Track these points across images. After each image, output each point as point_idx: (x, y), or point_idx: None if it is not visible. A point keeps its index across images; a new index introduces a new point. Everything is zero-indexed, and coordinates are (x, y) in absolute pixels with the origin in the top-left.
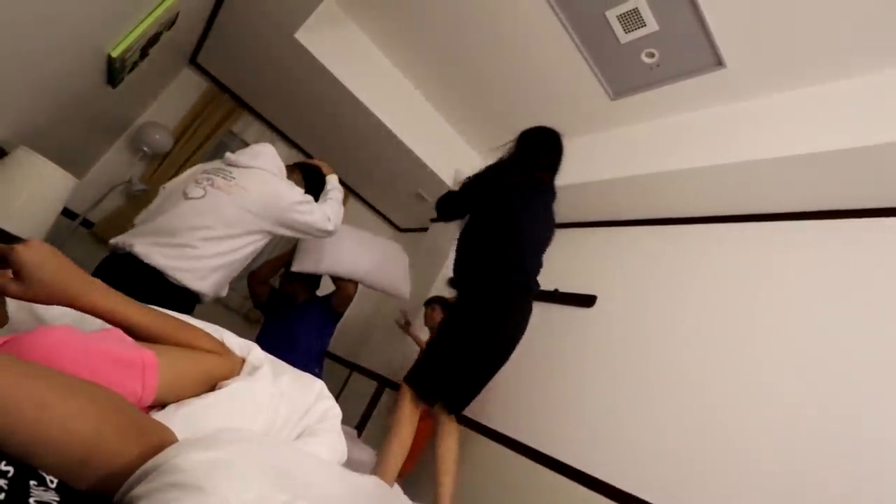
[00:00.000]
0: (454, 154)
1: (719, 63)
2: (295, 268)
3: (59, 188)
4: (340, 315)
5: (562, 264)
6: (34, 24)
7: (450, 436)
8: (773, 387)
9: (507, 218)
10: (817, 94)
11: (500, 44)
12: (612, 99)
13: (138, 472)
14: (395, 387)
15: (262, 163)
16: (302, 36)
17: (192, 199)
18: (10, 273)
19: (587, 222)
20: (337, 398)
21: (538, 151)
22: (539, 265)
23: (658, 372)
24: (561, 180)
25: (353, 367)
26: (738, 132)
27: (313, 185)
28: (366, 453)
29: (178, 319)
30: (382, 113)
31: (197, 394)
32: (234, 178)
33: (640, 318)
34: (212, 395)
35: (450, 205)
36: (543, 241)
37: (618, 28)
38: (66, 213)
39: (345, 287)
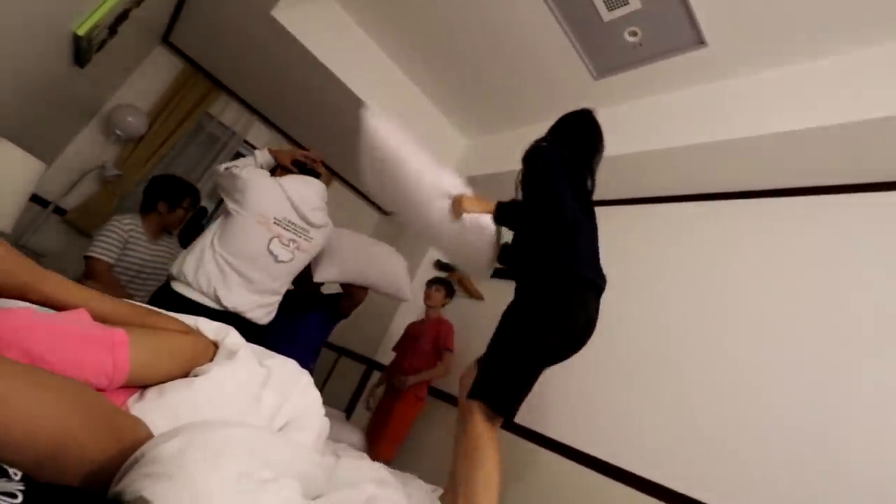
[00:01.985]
0: (440, 137)
1: (701, 42)
2: (317, 278)
3: (27, 174)
4: (345, 316)
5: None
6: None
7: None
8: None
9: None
10: (799, 72)
11: (484, 22)
12: (595, 78)
13: (123, 466)
14: (382, 368)
15: (326, 218)
16: (279, 13)
17: (282, 262)
18: None
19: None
20: (325, 381)
21: (586, 140)
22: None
23: (640, 355)
24: None
25: (341, 352)
26: (721, 110)
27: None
28: (354, 435)
29: (143, 307)
30: (364, 93)
31: (174, 375)
32: (312, 238)
33: (630, 299)
34: (194, 381)
35: (519, 212)
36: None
37: (601, 6)
38: (37, 199)
39: (357, 293)
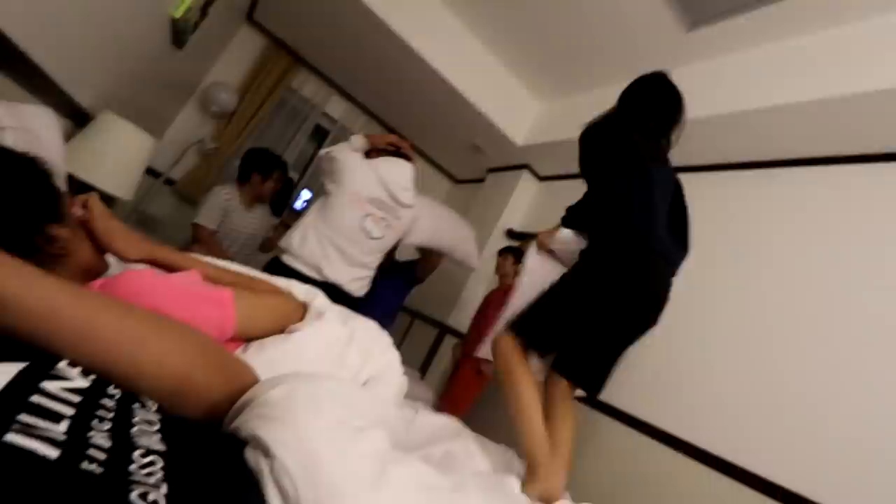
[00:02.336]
0: (513, 102)
1: None
2: (404, 242)
3: (142, 149)
4: (421, 281)
5: None
6: None
7: (567, 415)
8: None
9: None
10: None
11: None
12: (687, 31)
13: (236, 405)
14: (454, 332)
15: (415, 198)
16: None
17: (374, 238)
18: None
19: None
20: (401, 343)
21: (658, 108)
22: (672, 240)
23: (751, 329)
24: None
25: (415, 315)
26: (834, 62)
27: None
28: (428, 393)
29: (243, 271)
30: (438, 62)
31: (271, 331)
32: (400, 217)
33: (720, 270)
34: (289, 337)
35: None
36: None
37: None
38: (150, 171)
39: (433, 259)
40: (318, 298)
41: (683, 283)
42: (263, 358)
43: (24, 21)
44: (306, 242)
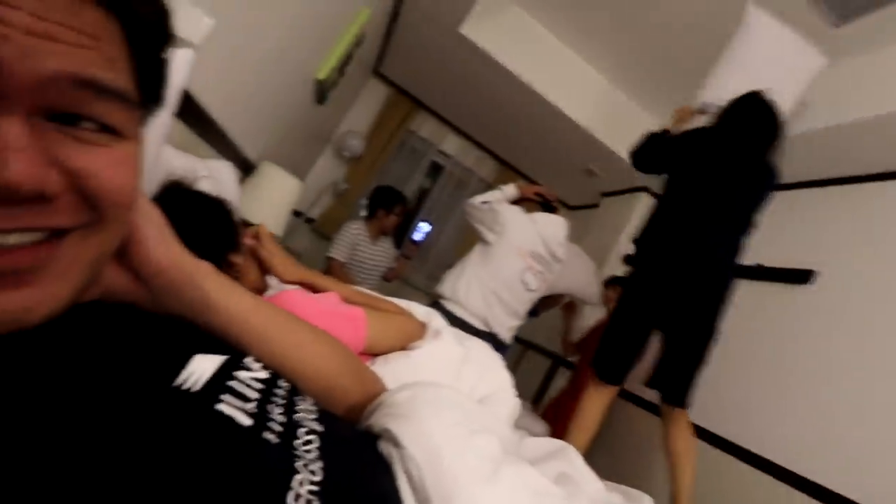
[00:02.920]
0: (626, 123)
1: None
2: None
3: (292, 192)
4: (536, 316)
5: (773, 233)
6: (274, 64)
7: (680, 432)
8: None
9: (695, 189)
10: None
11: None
12: (835, 26)
13: (368, 408)
14: (569, 366)
15: (566, 253)
16: (466, 29)
17: (531, 290)
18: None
19: (804, 182)
20: (514, 372)
21: (743, 122)
22: (733, 245)
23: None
24: None
25: (528, 345)
26: None
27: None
28: (538, 426)
29: (370, 293)
30: (549, 92)
31: (396, 347)
32: (555, 271)
33: (872, 295)
34: (411, 353)
35: (646, 153)
36: (738, 222)
37: None
38: (295, 213)
39: (554, 300)
40: (436, 319)
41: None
42: (387, 371)
43: (212, 90)
44: (471, 292)
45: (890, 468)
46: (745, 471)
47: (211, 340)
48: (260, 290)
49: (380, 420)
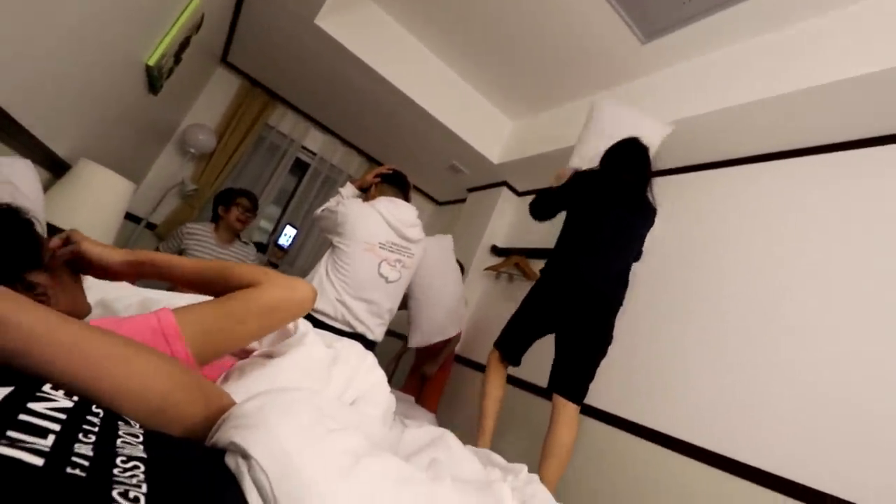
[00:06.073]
0: (486, 122)
1: None
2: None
3: (121, 194)
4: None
5: None
6: (77, 44)
7: (566, 425)
8: (830, 328)
9: (581, 220)
10: (863, 12)
11: (522, 1)
12: (643, 43)
13: (215, 426)
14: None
15: (422, 232)
16: (322, 21)
17: (392, 282)
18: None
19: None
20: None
21: (619, 160)
22: (612, 270)
23: (708, 320)
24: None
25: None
26: (780, 63)
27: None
28: (420, 413)
29: (229, 266)
30: (409, 88)
31: (253, 334)
32: (413, 254)
33: (688, 267)
34: (269, 362)
35: (541, 205)
36: (619, 250)
37: None
38: (130, 216)
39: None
40: (303, 324)
41: (660, 283)
42: (243, 385)
43: None
44: (323, 297)
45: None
46: (625, 438)
47: None
48: (79, 312)
49: (226, 433)
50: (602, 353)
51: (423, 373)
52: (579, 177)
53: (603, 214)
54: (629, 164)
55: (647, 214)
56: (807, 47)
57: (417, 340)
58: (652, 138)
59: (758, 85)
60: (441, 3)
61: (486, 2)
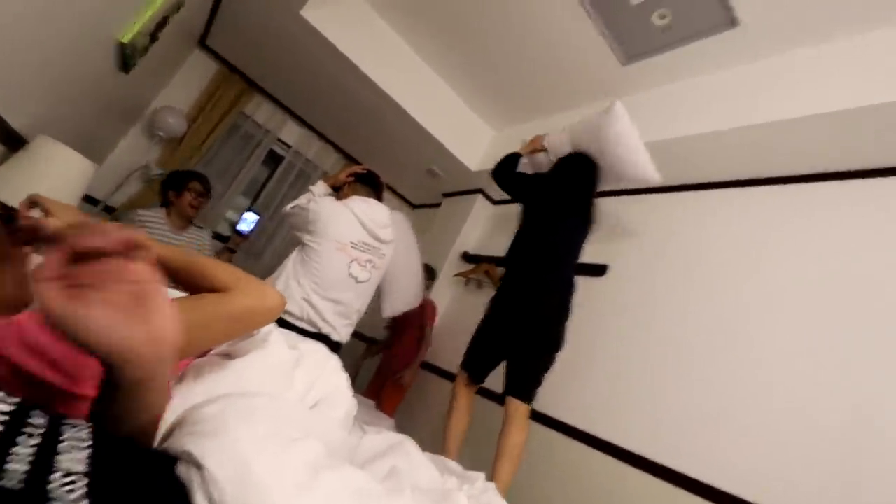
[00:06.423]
0: (467, 129)
1: (733, 22)
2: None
3: (80, 174)
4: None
5: None
6: (44, 13)
7: (517, 427)
8: (785, 350)
9: (527, 228)
10: (837, 50)
11: (508, 13)
12: (623, 64)
13: (167, 427)
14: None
15: (394, 233)
16: (308, 13)
17: (362, 282)
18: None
19: (600, 192)
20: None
21: (570, 172)
22: (553, 276)
23: (669, 338)
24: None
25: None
26: (755, 93)
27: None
28: (384, 420)
29: (195, 258)
30: (392, 89)
31: (218, 342)
32: (384, 255)
33: (652, 285)
34: (228, 363)
35: (502, 168)
36: (560, 258)
37: None
38: (88, 198)
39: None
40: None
41: (626, 299)
42: (200, 386)
43: None
44: (291, 297)
45: (672, 425)
46: (581, 449)
47: None
48: (24, 300)
49: (180, 440)
50: (550, 356)
51: (398, 380)
52: (532, 180)
53: (548, 223)
54: (578, 177)
55: (587, 227)
56: (778, 81)
57: (389, 311)
58: (636, 174)
59: (731, 114)
60: (431, 9)
61: (475, 12)
